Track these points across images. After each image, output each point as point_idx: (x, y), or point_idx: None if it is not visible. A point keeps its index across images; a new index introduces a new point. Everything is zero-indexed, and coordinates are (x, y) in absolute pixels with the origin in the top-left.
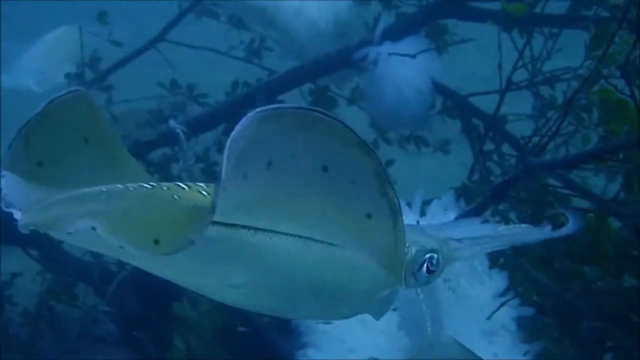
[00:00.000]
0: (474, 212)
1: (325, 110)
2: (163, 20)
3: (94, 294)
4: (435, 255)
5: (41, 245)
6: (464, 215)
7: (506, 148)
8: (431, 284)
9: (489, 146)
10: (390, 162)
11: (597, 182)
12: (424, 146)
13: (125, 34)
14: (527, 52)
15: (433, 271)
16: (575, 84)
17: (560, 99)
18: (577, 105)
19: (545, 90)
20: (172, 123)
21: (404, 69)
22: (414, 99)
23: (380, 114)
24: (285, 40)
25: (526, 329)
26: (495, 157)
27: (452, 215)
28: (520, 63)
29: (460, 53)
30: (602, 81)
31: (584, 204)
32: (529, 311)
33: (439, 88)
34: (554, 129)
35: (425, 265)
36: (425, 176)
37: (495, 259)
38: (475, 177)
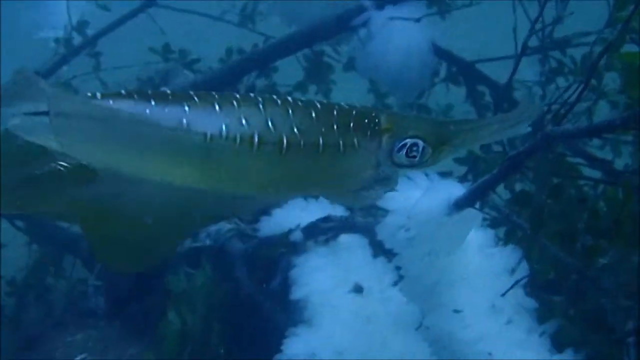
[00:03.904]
0: (489, 184)
1: (321, 76)
2: None
3: (82, 266)
4: (420, 144)
5: (27, 215)
6: (478, 187)
7: None
8: (415, 169)
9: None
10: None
11: (602, 155)
12: (427, 114)
13: None
14: (535, 15)
15: (413, 157)
16: (596, 49)
17: (569, 64)
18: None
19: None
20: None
21: (407, 34)
22: (417, 64)
23: (380, 80)
24: (280, 4)
25: (540, 307)
26: None
27: (461, 188)
28: (532, 27)
29: (454, 26)
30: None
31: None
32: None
33: (443, 54)
34: (573, 96)
35: (405, 149)
36: None
37: (511, 234)
38: (485, 147)
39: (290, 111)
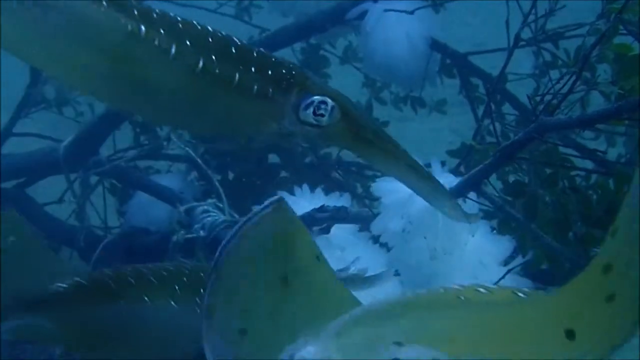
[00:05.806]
0: (482, 174)
1: (317, 69)
2: None
3: (79, 258)
4: (330, 102)
5: (22, 206)
6: (471, 177)
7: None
8: (319, 130)
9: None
10: (385, 124)
11: (596, 146)
12: (421, 107)
13: None
14: (528, 9)
15: (321, 115)
16: (589, 39)
17: (563, 58)
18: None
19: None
20: None
21: (401, 27)
22: (412, 57)
23: (377, 73)
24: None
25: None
26: (495, 117)
27: (454, 179)
28: (525, 20)
29: (449, 16)
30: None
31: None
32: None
33: (437, 46)
34: (566, 87)
35: (312, 106)
36: (414, 141)
37: (505, 224)
38: (478, 137)
39: (210, 39)
